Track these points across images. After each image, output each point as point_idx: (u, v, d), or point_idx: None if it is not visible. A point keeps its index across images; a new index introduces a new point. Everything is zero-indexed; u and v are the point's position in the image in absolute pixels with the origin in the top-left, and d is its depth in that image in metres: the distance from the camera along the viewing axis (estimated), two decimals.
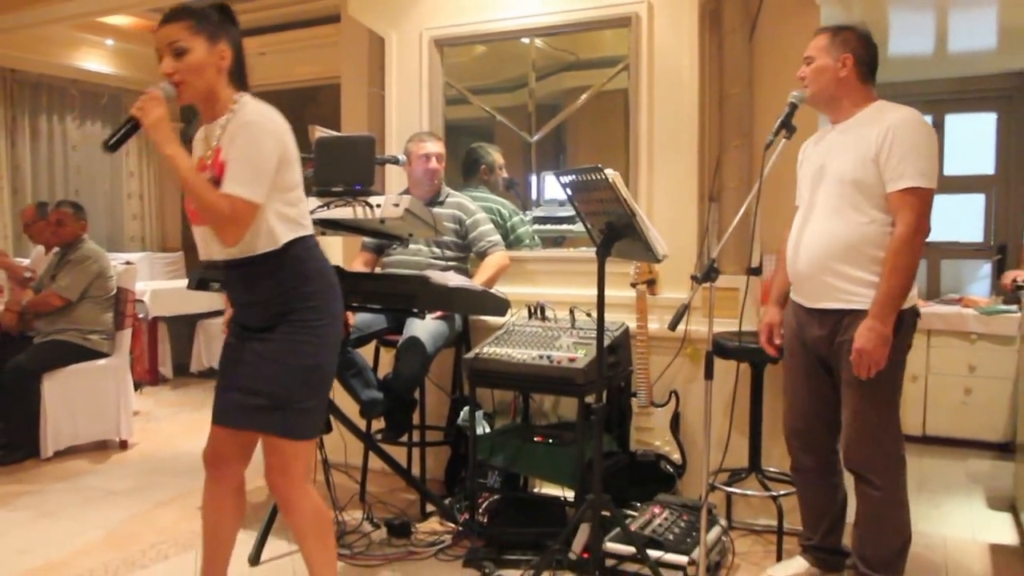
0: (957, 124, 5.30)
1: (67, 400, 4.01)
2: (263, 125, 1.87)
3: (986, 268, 5.05)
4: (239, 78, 1.95)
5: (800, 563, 2.55)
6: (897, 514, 2.33)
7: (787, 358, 2.51)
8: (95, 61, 6.37)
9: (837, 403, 2.40)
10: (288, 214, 1.94)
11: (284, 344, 1.94)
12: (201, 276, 2.98)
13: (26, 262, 5.01)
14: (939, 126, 5.37)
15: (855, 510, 2.38)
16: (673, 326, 2.25)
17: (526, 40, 3.55)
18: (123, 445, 4.23)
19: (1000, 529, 3.06)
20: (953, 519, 3.16)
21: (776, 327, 2.55)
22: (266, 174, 1.86)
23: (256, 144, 1.84)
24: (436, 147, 3.23)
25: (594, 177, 2.32)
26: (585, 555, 2.52)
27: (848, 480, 2.44)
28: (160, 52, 1.87)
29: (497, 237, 3.28)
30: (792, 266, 2.42)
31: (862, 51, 2.34)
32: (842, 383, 2.34)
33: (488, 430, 3.11)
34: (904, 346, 2.30)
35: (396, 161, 3.21)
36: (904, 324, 2.26)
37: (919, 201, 2.19)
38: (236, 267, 1.95)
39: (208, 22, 1.88)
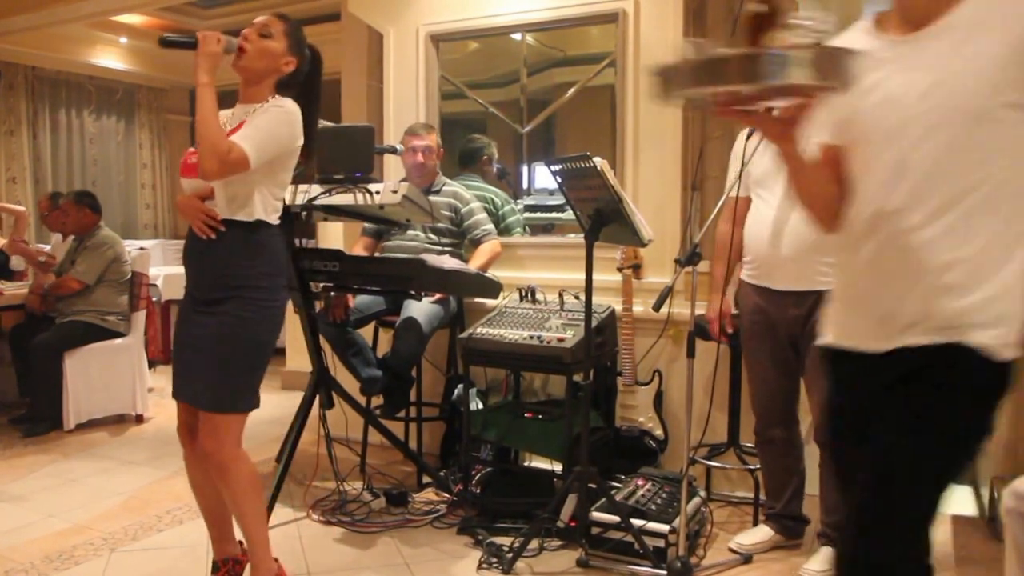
0: None
1: (87, 377, 4.00)
2: (292, 119, 1.98)
3: None
4: (292, 91, 2.05)
5: (765, 531, 2.55)
6: None
7: (752, 340, 2.48)
8: (110, 58, 6.30)
9: (796, 377, 2.44)
10: (270, 203, 2.02)
11: (233, 319, 1.95)
12: None
13: (47, 248, 4.98)
14: None
15: (824, 484, 2.36)
16: (657, 308, 2.23)
17: (518, 37, 3.51)
18: (139, 419, 4.20)
19: (961, 501, 3.06)
20: None
21: (728, 316, 2.52)
22: (271, 150, 1.93)
23: (278, 125, 1.95)
24: (423, 141, 3.18)
25: (583, 165, 2.30)
26: (572, 523, 2.52)
27: (810, 453, 2.44)
28: (248, 27, 2.00)
29: (490, 226, 3.25)
30: (769, 251, 2.37)
31: None
32: (815, 359, 2.31)
33: (481, 406, 3.10)
34: None
35: (394, 150, 3.18)
36: None
37: None
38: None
39: (298, 37, 2.04)
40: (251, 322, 1.97)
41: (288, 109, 1.98)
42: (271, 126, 1.94)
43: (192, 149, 2.01)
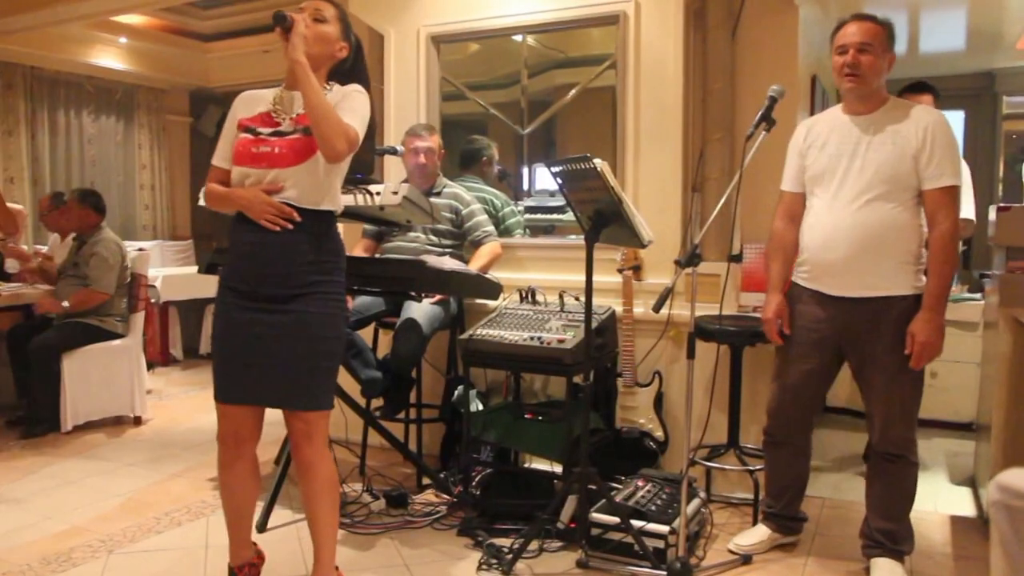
0: None
1: (85, 378, 4.00)
2: (369, 105, 1.99)
3: None
4: (342, 75, 2.05)
5: (763, 530, 2.56)
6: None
7: (796, 343, 2.41)
8: (109, 58, 6.30)
9: (829, 386, 2.44)
10: (340, 192, 2.01)
11: (316, 316, 1.92)
12: (211, 260, 2.95)
13: (44, 248, 4.98)
14: None
15: (878, 491, 2.36)
16: (657, 309, 2.23)
17: (519, 38, 3.52)
18: (137, 421, 4.20)
19: (961, 502, 3.07)
20: (919, 493, 3.15)
21: (786, 316, 2.42)
22: (363, 133, 1.94)
23: (365, 107, 1.97)
24: (425, 142, 3.19)
25: (583, 166, 2.30)
26: (572, 525, 2.52)
27: (811, 453, 2.44)
28: (301, 11, 1.96)
29: (491, 227, 3.26)
30: (821, 255, 2.32)
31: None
32: (881, 370, 2.28)
33: (481, 408, 3.11)
34: None
35: (394, 152, 3.19)
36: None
37: (955, 198, 2.23)
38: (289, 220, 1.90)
39: (347, 22, 2.04)
40: (331, 317, 1.94)
41: (367, 95, 1.98)
42: (363, 110, 1.93)
43: (249, 136, 1.94)
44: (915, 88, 3.23)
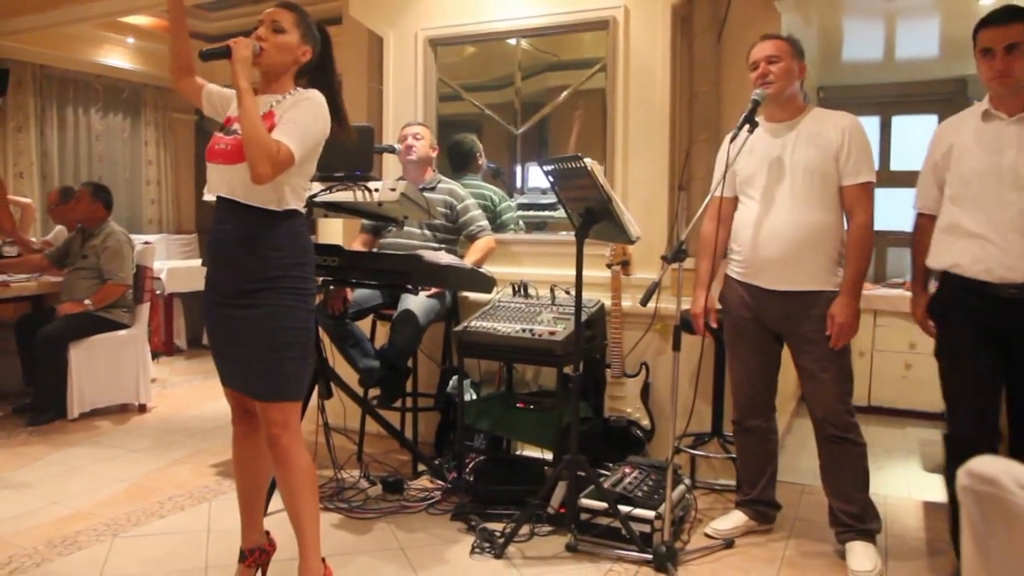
0: (903, 124, 5.31)
1: (91, 367, 3.96)
2: (322, 111, 1.95)
3: None
4: (309, 79, 2.03)
5: (739, 516, 2.57)
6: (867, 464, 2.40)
7: (737, 335, 2.48)
8: (117, 58, 6.24)
9: (776, 370, 2.48)
10: (298, 192, 1.96)
11: (275, 310, 1.90)
12: None
13: (48, 237, 4.93)
14: (886, 126, 5.38)
15: (833, 476, 2.38)
16: (644, 302, 2.23)
17: (513, 42, 3.50)
18: (142, 408, 4.17)
19: (933, 489, 3.08)
20: (893, 480, 3.18)
21: (712, 312, 2.52)
22: (309, 143, 1.91)
23: (313, 117, 1.92)
24: (413, 128, 3.18)
25: (574, 165, 2.30)
26: (562, 510, 2.52)
27: (789, 444, 2.44)
28: (260, 24, 1.96)
29: (485, 222, 3.24)
30: (761, 252, 2.37)
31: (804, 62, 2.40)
32: (814, 357, 2.32)
33: (475, 397, 3.09)
34: None
35: (392, 150, 3.16)
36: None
37: (870, 193, 2.29)
38: (239, 219, 1.89)
39: (307, 24, 1.99)
40: (294, 309, 1.92)
41: (317, 101, 1.93)
42: (307, 120, 1.89)
43: (219, 134, 1.95)
44: (1013, 15, 2.20)
